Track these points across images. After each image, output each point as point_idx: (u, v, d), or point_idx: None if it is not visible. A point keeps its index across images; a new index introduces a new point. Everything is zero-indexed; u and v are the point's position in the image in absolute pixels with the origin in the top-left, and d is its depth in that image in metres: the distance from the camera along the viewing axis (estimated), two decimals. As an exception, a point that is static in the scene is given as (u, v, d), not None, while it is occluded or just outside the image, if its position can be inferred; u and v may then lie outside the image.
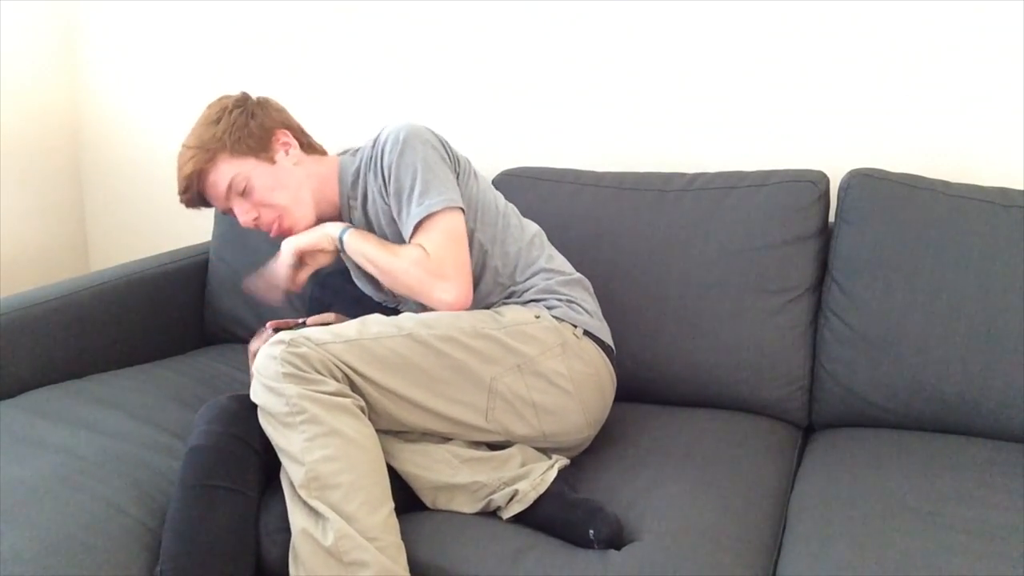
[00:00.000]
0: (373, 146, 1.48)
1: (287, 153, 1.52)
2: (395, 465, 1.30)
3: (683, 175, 1.72)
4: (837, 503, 1.28)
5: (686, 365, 1.63)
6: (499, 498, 1.27)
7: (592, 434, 1.45)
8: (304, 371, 1.23)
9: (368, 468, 1.21)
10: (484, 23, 1.98)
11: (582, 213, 1.71)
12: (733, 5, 1.79)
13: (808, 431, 1.64)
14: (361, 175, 1.51)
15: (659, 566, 1.14)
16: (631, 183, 1.73)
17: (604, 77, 1.92)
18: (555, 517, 1.24)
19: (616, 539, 1.20)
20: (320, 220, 1.54)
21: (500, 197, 1.57)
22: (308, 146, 1.57)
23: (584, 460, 1.43)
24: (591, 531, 1.19)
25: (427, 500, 1.30)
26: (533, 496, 1.26)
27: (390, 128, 1.46)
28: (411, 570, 1.19)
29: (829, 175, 1.65)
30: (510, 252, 1.50)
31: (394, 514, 1.21)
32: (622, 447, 1.46)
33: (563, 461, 1.37)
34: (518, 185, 1.79)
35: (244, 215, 1.50)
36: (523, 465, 1.33)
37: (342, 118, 2.16)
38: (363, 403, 1.27)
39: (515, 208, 1.59)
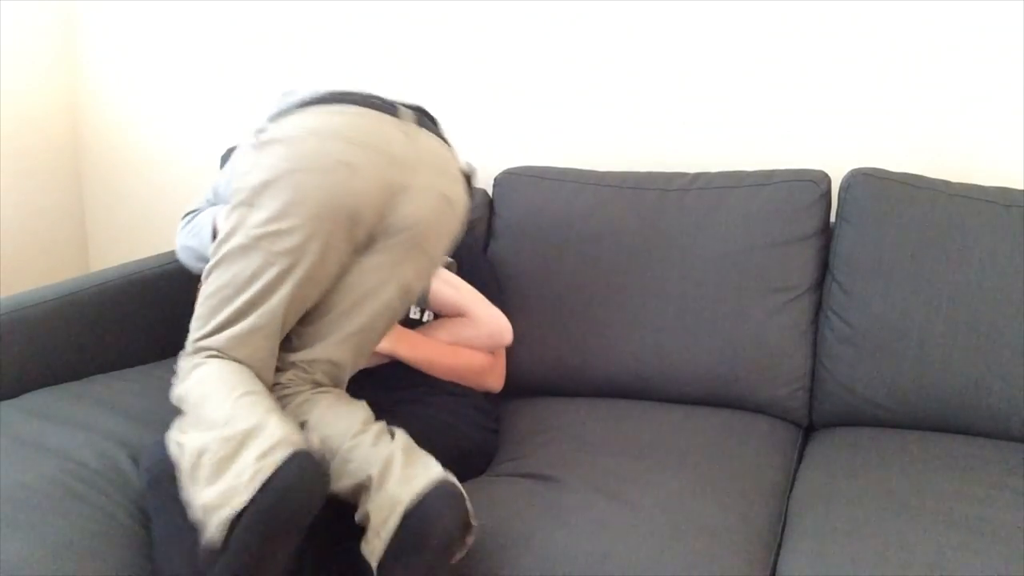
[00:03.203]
0: None
1: None
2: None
3: (684, 175, 1.72)
4: (837, 502, 1.28)
5: (686, 364, 1.63)
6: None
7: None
8: None
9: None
10: (484, 23, 1.98)
11: (584, 212, 1.71)
12: (733, 5, 1.79)
13: (808, 430, 1.65)
14: None
15: (659, 564, 1.14)
16: (632, 183, 1.73)
17: (604, 77, 1.92)
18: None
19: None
20: None
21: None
22: None
23: (584, 457, 1.43)
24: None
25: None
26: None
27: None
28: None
29: (830, 175, 1.66)
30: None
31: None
32: (622, 444, 1.46)
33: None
34: (519, 184, 1.79)
35: None
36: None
37: (342, 118, 2.15)
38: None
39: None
